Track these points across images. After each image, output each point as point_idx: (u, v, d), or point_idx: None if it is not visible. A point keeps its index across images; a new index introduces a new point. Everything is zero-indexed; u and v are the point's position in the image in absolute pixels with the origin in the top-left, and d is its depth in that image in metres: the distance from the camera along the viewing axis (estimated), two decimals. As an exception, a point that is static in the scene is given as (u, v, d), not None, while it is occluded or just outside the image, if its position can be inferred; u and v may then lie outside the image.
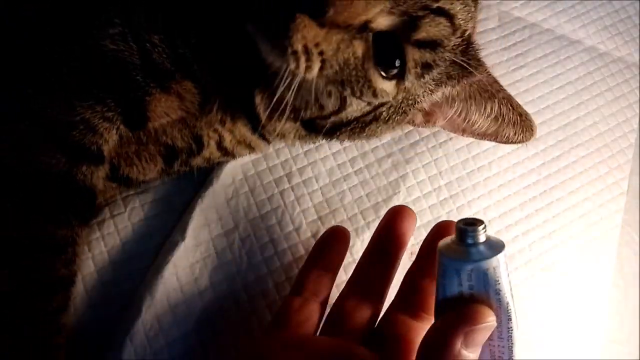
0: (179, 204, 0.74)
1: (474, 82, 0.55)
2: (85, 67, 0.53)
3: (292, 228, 0.76)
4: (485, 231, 0.43)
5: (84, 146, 0.54)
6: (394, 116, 0.54)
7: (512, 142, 0.58)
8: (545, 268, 0.80)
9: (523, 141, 0.57)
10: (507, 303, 0.43)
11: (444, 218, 0.79)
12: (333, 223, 0.76)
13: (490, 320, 0.42)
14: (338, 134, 0.59)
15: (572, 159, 0.87)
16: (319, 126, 0.57)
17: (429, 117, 0.59)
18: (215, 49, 0.54)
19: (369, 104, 0.51)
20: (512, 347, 0.44)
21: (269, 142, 0.68)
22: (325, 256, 0.64)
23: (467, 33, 0.50)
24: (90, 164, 0.56)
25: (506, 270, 0.43)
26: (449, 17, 0.47)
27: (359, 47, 0.45)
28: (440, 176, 0.81)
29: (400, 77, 0.48)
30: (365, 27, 0.45)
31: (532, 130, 0.56)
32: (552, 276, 0.80)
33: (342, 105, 0.50)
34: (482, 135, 0.58)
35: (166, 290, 0.68)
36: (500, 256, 0.42)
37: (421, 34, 0.46)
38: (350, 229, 0.74)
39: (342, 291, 0.63)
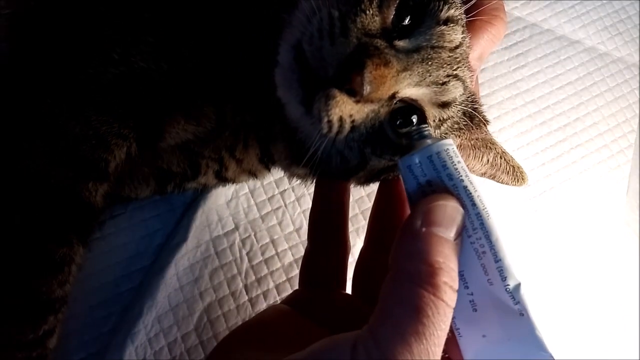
0: (178, 205, 0.74)
1: (476, 137, 0.60)
2: (110, 81, 0.52)
3: (293, 229, 0.76)
4: (429, 130, 0.47)
5: (92, 162, 0.54)
6: None
7: (508, 184, 0.64)
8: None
9: (517, 186, 0.63)
10: (465, 187, 0.44)
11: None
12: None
13: (444, 198, 0.43)
14: (372, 182, 0.62)
15: (572, 160, 0.88)
16: (355, 180, 0.61)
17: None
18: (247, 89, 0.56)
19: (390, 159, 0.54)
20: (489, 235, 0.43)
21: (269, 170, 0.70)
22: (331, 206, 0.62)
23: (469, 87, 0.56)
24: (95, 181, 0.55)
25: (456, 158, 0.45)
26: (462, 80, 0.53)
27: (383, 112, 0.50)
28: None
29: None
30: (393, 96, 0.49)
31: (524, 179, 0.63)
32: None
33: (363, 160, 0.54)
34: (482, 175, 0.64)
35: (167, 290, 0.68)
36: (441, 143, 0.45)
37: (446, 97, 0.52)
38: (351, 229, 0.74)
39: (362, 249, 0.62)
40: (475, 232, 0.43)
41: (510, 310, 0.41)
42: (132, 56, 0.52)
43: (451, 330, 0.42)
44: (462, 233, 0.43)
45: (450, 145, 0.45)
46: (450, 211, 0.42)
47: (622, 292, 0.83)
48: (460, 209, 0.43)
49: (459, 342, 0.43)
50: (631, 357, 0.79)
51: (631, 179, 0.89)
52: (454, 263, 0.41)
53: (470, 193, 0.44)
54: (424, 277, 0.39)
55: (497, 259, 0.42)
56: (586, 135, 0.89)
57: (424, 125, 0.47)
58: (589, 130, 0.90)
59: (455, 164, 0.44)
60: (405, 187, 0.46)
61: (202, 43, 0.54)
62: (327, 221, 0.62)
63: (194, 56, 0.53)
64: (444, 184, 0.44)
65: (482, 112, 0.60)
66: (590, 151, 0.88)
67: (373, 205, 0.62)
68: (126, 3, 0.54)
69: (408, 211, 0.61)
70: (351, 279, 0.61)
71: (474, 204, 0.43)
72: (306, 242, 0.75)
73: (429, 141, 0.46)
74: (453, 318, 0.42)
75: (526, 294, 0.42)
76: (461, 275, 0.42)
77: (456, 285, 0.40)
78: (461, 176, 0.44)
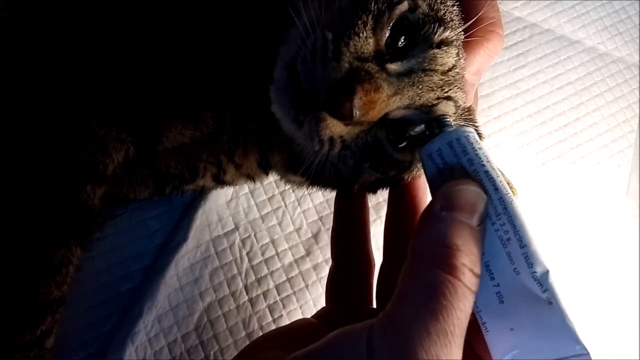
0: (178, 205, 0.74)
1: None
2: (110, 84, 0.52)
3: (293, 229, 0.76)
4: (449, 120, 0.47)
5: (91, 164, 0.54)
6: (417, 173, 0.59)
7: None
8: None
9: None
10: (487, 172, 0.43)
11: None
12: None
13: (465, 183, 0.42)
14: (377, 191, 0.62)
15: (572, 160, 0.88)
16: (351, 190, 0.61)
17: None
18: (246, 94, 0.56)
19: (382, 173, 0.54)
20: (513, 220, 0.41)
21: (268, 175, 0.70)
22: (351, 224, 0.62)
23: (462, 106, 0.56)
24: (94, 184, 0.55)
25: (476, 144, 0.44)
26: (454, 101, 0.53)
27: (374, 131, 0.50)
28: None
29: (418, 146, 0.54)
30: (384, 117, 0.49)
31: (514, 194, 0.61)
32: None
33: (357, 172, 0.54)
34: None
35: (167, 290, 0.68)
36: (459, 130, 0.44)
37: (434, 115, 0.51)
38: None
39: (381, 264, 0.62)
40: (498, 218, 0.41)
41: (539, 299, 0.39)
42: (133, 59, 0.52)
43: (479, 327, 0.40)
44: (485, 221, 0.41)
45: (471, 132, 0.44)
46: (471, 195, 0.41)
47: (622, 292, 0.83)
48: (482, 193, 0.41)
49: (485, 338, 0.40)
50: (631, 357, 0.79)
51: (631, 179, 0.89)
52: (475, 247, 0.39)
53: (493, 178, 0.42)
54: (441, 258, 0.38)
55: (523, 245, 0.40)
56: (586, 135, 0.89)
57: (444, 115, 0.47)
58: (589, 130, 0.90)
59: (476, 150, 0.43)
60: (427, 176, 0.46)
61: (202, 43, 0.54)
62: (349, 238, 0.62)
63: (194, 57, 0.53)
64: (464, 169, 0.43)
65: (476, 129, 0.60)
66: (590, 151, 0.88)
67: (386, 220, 0.62)
68: (127, 6, 0.54)
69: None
70: (375, 294, 0.61)
71: (496, 189, 0.42)
72: (306, 242, 0.75)
73: (449, 129, 0.46)
74: (479, 312, 0.40)
75: (555, 281, 0.39)
76: (487, 266, 0.41)
77: (477, 270, 0.39)
78: (482, 161, 0.43)
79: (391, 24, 0.48)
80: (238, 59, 0.54)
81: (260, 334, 0.70)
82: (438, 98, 0.51)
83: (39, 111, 0.52)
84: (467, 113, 0.57)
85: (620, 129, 0.91)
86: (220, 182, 0.68)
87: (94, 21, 0.54)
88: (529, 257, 0.40)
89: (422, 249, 0.40)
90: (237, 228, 0.74)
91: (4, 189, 0.52)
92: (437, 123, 0.47)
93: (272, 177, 0.77)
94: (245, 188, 0.76)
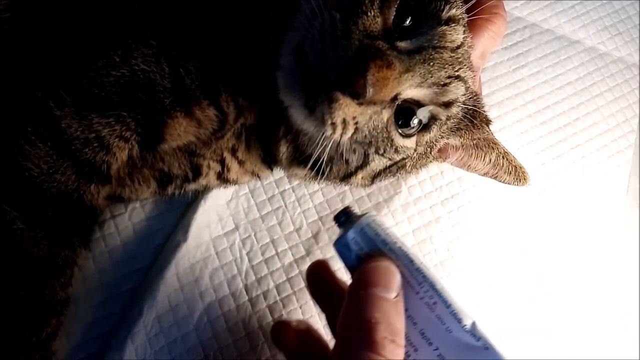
0: (178, 205, 0.74)
1: (478, 137, 0.61)
2: (111, 84, 0.52)
3: (293, 229, 0.76)
4: (353, 211, 0.52)
5: (94, 164, 0.54)
6: (418, 162, 0.60)
7: (510, 184, 0.64)
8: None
9: (519, 186, 0.64)
10: (400, 247, 0.48)
11: (444, 218, 0.79)
12: (334, 223, 0.76)
13: (376, 260, 0.46)
14: (374, 182, 0.63)
15: (572, 160, 0.88)
16: (356, 182, 0.61)
17: (440, 153, 0.65)
18: (248, 90, 0.56)
19: (390, 159, 0.55)
20: (434, 285, 0.46)
21: (272, 171, 0.70)
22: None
23: (470, 87, 0.56)
24: (98, 183, 0.55)
25: (383, 225, 0.49)
26: (464, 81, 0.53)
27: (386, 114, 0.50)
28: (442, 175, 0.81)
29: (425, 130, 0.55)
30: (395, 98, 0.49)
31: (526, 179, 0.63)
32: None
33: (366, 160, 0.54)
34: (485, 175, 0.65)
35: (167, 290, 0.68)
36: (368, 216, 0.50)
37: (447, 97, 0.52)
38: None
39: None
40: (421, 286, 0.46)
41: (476, 348, 0.45)
42: (134, 58, 0.52)
43: None
44: (402, 290, 0.45)
45: (375, 216, 0.50)
46: (383, 270, 0.45)
47: (622, 292, 0.83)
48: (393, 266, 0.46)
49: None
50: (631, 357, 0.79)
51: (631, 179, 0.89)
52: (395, 318, 0.43)
53: (406, 252, 0.48)
54: (362, 335, 0.40)
55: (448, 304, 0.46)
56: (586, 135, 0.89)
57: (348, 208, 0.52)
58: (589, 130, 0.90)
59: (385, 230, 0.49)
60: (346, 264, 0.50)
61: (202, 43, 0.54)
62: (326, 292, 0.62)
63: (194, 57, 0.53)
64: (380, 250, 0.48)
65: (484, 112, 0.60)
66: (590, 151, 0.88)
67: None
68: (127, 6, 0.54)
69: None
70: None
71: (412, 261, 0.47)
72: (306, 242, 0.76)
73: (359, 219, 0.50)
74: None
75: (483, 328, 0.45)
76: (422, 334, 0.45)
77: (400, 340, 0.42)
78: (394, 239, 0.49)
79: (398, 2, 0.49)
80: (238, 57, 0.54)
81: (260, 334, 0.70)
82: (449, 77, 0.51)
83: (39, 111, 0.52)
84: (475, 97, 0.57)
85: (620, 129, 0.91)
86: (225, 180, 0.68)
87: (95, 21, 0.54)
88: (456, 314, 0.45)
89: (344, 331, 0.42)
90: (237, 228, 0.74)
91: (6, 191, 0.52)
92: (344, 214, 0.50)
93: (272, 177, 0.77)
94: (245, 188, 0.76)
